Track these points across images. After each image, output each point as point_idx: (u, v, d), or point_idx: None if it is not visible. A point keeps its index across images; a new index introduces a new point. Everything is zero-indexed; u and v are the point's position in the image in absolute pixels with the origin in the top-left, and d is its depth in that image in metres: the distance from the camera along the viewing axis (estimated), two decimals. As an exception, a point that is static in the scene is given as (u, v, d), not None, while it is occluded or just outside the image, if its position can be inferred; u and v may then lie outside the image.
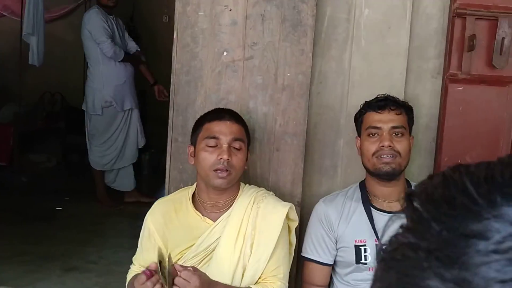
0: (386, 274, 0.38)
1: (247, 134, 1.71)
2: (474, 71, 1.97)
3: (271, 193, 1.76)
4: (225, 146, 1.61)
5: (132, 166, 4.06)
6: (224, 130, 1.63)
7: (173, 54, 1.94)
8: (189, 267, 1.48)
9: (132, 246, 2.17)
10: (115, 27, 3.93)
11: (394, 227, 0.41)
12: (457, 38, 1.96)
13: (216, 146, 1.62)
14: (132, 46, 4.10)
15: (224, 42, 1.90)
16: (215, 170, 1.60)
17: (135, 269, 1.74)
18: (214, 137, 1.63)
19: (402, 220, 0.40)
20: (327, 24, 2.01)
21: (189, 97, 1.93)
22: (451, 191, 0.37)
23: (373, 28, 1.99)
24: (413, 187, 1.76)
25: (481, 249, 0.33)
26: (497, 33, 1.92)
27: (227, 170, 1.60)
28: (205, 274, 1.49)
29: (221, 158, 1.59)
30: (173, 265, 1.44)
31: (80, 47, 6.01)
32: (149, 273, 1.43)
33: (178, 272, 1.43)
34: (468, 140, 1.99)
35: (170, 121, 1.96)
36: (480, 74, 1.98)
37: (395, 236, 0.39)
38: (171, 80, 1.96)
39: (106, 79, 3.86)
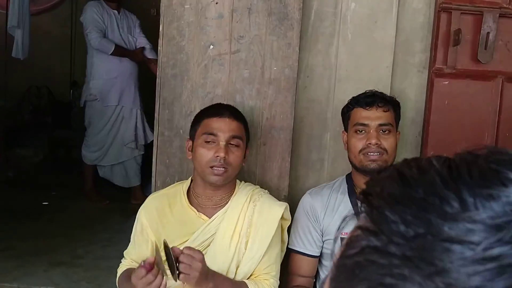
0: (352, 282, 0.34)
1: (246, 131, 1.71)
2: (460, 65, 1.98)
3: (266, 191, 1.76)
4: (222, 143, 1.61)
5: (130, 164, 3.92)
6: (222, 127, 1.63)
7: (159, 47, 1.93)
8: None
9: (120, 241, 2.17)
10: (115, 22, 3.86)
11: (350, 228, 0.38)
12: (443, 33, 1.97)
13: (214, 142, 1.62)
14: (142, 42, 3.96)
15: (211, 36, 1.89)
16: (211, 167, 1.60)
17: (126, 263, 1.73)
18: (212, 134, 1.62)
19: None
20: (313, 18, 2.01)
21: (175, 90, 1.92)
22: (414, 190, 0.34)
23: (359, 22, 1.99)
24: None
25: (469, 256, 0.31)
26: (482, 28, 1.93)
27: (223, 168, 1.60)
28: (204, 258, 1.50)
29: (217, 156, 1.59)
30: (171, 248, 1.44)
31: (67, 40, 5.96)
32: (149, 266, 1.42)
33: (180, 253, 1.42)
34: (454, 134, 2.00)
35: (156, 115, 1.95)
36: (466, 68, 1.99)
37: (354, 238, 0.36)
38: (157, 73, 1.95)
39: (96, 72, 3.81)
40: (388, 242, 0.33)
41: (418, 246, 0.32)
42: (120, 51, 3.79)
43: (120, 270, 1.73)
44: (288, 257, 1.83)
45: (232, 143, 1.63)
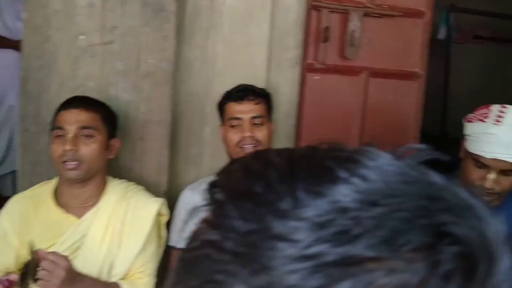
0: (185, 276, 0.33)
1: (105, 121, 1.62)
2: (329, 61, 2.10)
3: (142, 187, 1.71)
4: (69, 136, 1.53)
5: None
6: (69, 119, 1.55)
7: (23, 36, 1.78)
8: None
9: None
10: None
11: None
12: (313, 30, 2.07)
13: (63, 136, 1.54)
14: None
15: (81, 25, 1.79)
16: (64, 162, 1.52)
17: None
18: (59, 128, 1.55)
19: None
20: (190, 11, 1.99)
21: (42, 83, 1.79)
22: (254, 185, 0.33)
23: (235, 17, 2.01)
24: None
25: (289, 255, 0.30)
26: (348, 26, 2.06)
27: (76, 162, 1.52)
28: (72, 264, 1.42)
29: (65, 149, 1.51)
30: (35, 251, 1.34)
31: None
32: (7, 283, 1.32)
33: (43, 258, 1.33)
34: (324, 126, 2.11)
35: (20, 110, 1.80)
36: (334, 64, 2.11)
37: (197, 231, 0.35)
38: (21, 65, 1.79)
39: None
40: (224, 238, 0.32)
41: (249, 242, 0.31)
42: None
43: None
44: (169, 255, 1.79)
45: (83, 134, 1.55)
